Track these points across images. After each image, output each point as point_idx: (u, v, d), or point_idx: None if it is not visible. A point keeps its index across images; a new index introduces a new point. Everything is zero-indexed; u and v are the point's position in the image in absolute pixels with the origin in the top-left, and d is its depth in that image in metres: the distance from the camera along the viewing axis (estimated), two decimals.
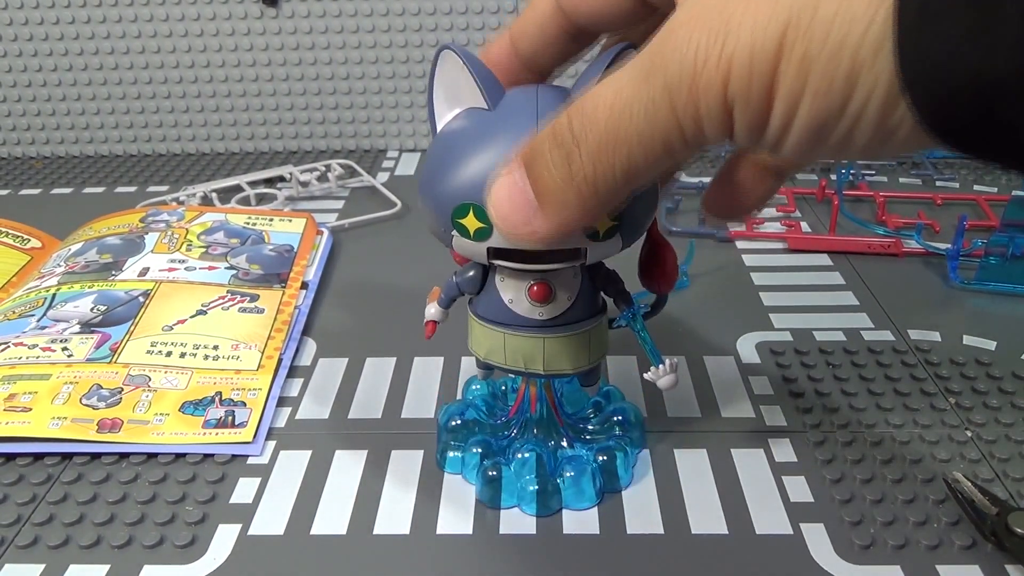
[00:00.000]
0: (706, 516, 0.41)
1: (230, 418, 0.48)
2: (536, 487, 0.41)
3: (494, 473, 0.41)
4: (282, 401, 0.50)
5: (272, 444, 0.47)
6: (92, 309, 0.55)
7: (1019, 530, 0.37)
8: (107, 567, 0.39)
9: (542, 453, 0.42)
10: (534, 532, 0.40)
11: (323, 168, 0.83)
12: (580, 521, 0.41)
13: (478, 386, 0.48)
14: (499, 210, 0.31)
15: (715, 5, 0.24)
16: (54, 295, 0.57)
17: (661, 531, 0.40)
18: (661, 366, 0.39)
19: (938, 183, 0.80)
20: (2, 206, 0.79)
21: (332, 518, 0.41)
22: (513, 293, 0.39)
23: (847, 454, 0.44)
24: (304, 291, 0.61)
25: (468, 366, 0.52)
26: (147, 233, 0.65)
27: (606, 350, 0.41)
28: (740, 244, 0.68)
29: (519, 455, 0.42)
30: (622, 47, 0.35)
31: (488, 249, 0.36)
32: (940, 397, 0.49)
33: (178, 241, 0.64)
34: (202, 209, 0.71)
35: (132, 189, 0.83)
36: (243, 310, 0.57)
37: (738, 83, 0.24)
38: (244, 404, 0.49)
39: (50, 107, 0.90)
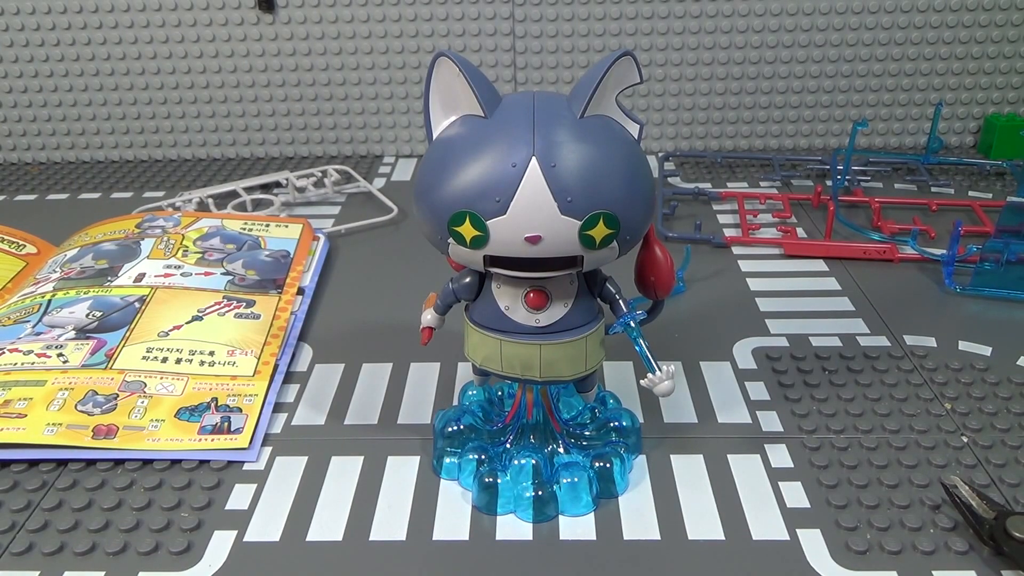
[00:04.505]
0: (702, 522, 0.41)
1: (226, 424, 0.47)
2: (532, 493, 0.41)
3: (491, 479, 0.41)
4: (278, 407, 0.50)
5: (268, 450, 0.46)
6: (87, 315, 0.55)
7: (1018, 534, 0.37)
8: (102, 574, 0.39)
9: (538, 459, 0.42)
10: (531, 538, 0.40)
11: (319, 174, 0.83)
12: (577, 527, 0.41)
13: (474, 392, 0.48)
14: None
15: None
16: (49, 301, 0.57)
17: (658, 537, 0.40)
18: (658, 372, 0.39)
19: (933, 189, 0.80)
20: None
21: (328, 525, 0.41)
22: (510, 300, 0.39)
23: (843, 459, 0.44)
24: (300, 297, 0.61)
25: (464, 372, 0.52)
26: (143, 239, 0.65)
27: (603, 356, 0.41)
28: (736, 250, 0.68)
29: (516, 461, 0.42)
30: (620, 54, 0.36)
31: (485, 257, 0.36)
32: (936, 403, 0.49)
33: (174, 247, 0.64)
34: (198, 215, 0.71)
35: (128, 195, 0.83)
36: (239, 316, 0.57)
37: None
38: (240, 410, 0.49)
39: (46, 112, 0.90)
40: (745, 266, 0.66)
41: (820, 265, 0.65)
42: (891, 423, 0.47)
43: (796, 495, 0.42)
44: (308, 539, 0.40)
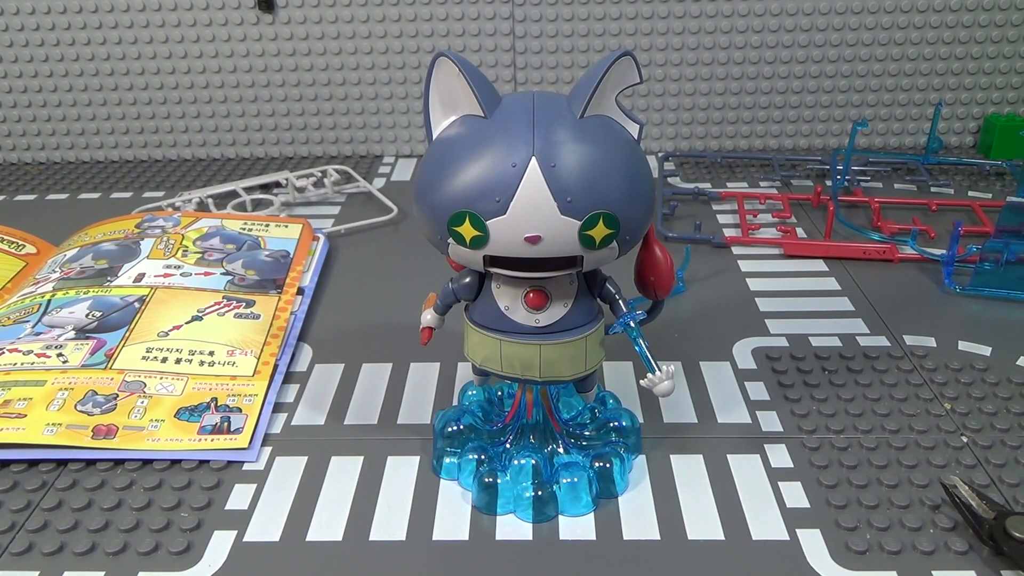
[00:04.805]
0: (702, 522, 0.41)
1: (226, 424, 0.47)
2: (532, 493, 0.41)
3: (490, 479, 0.41)
4: (278, 407, 0.50)
5: (268, 450, 0.46)
6: (87, 315, 0.55)
7: (1018, 534, 0.37)
8: (102, 574, 0.39)
9: (538, 459, 0.42)
10: (530, 538, 0.40)
11: (319, 174, 0.83)
12: (576, 527, 0.41)
13: (474, 392, 0.48)
14: None
15: None
16: (49, 301, 0.57)
17: (657, 537, 0.40)
18: (657, 372, 0.39)
19: (933, 189, 0.80)
20: None
21: (328, 525, 0.41)
22: (509, 300, 0.39)
23: (843, 460, 0.44)
24: (300, 297, 0.61)
25: (464, 372, 0.52)
26: (143, 239, 0.65)
27: (602, 356, 0.41)
28: (736, 250, 0.68)
29: (515, 461, 0.42)
30: (620, 54, 0.36)
31: (484, 257, 0.36)
32: (936, 403, 0.49)
33: (174, 247, 0.64)
34: (198, 215, 0.71)
35: (128, 195, 0.83)
36: (239, 316, 0.57)
37: None
38: (240, 410, 0.49)
39: (46, 112, 0.90)
40: (745, 266, 0.66)
41: (820, 265, 0.66)
42: (891, 423, 0.47)
43: (796, 495, 0.42)
44: (308, 539, 0.40)
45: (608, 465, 0.42)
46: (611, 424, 0.45)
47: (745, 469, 0.44)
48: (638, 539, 0.40)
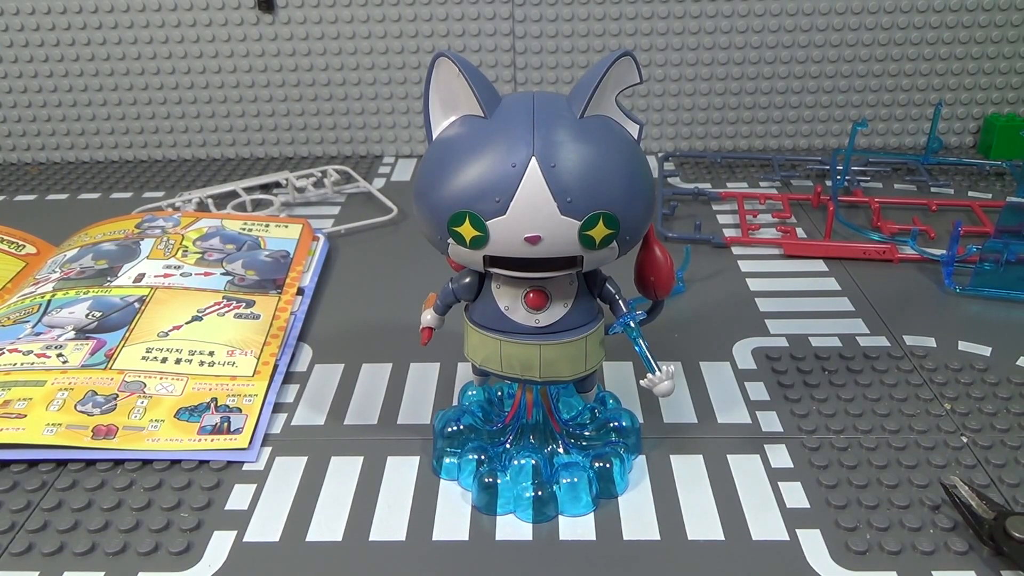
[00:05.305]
0: (702, 522, 0.41)
1: (225, 424, 0.47)
2: (532, 494, 0.41)
3: (490, 480, 0.41)
4: (278, 407, 0.50)
5: (268, 450, 0.46)
6: (87, 315, 0.55)
7: (1017, 534, 0.37)
8: (102, 574, 0.39)
9: (538, 459, 0.42)
10: (530, 539, 0.40)
11: (319, 174, 0.83)
12: (576, 527, 0.41)
13: (474, 392, 0.48)
14: None
15: None
16: (49, 301, 0.57)
17: (657, 537, 0.40)
18: (657, 372, 0.39)
19: (933, 189, 0.80)
20: None
21: (328, 525, 0.41)
22: (509, 300, 0.39)
23: (843, 460, 0.44)
24: (300, 297, 0.61)
25: (464, 372, 0.52)
26: (143, 239, 0.65)
27: (603, 356, 0.41)
28: (736, 250, 0.68)
29: (515, 461, 0.42)
30: (620, 54, 0.36)
31: (484, 257, 0.36)
32: (936, 403, 0.49)
33: (174, 247, 0.64)
34: (198, 215, 0.71)
35: (128, 195, 0.83)
36: (239, 316, 0.57)
37: None
38: (239, 410, 0.49)
39: (46, 113, 0.90)
40: (745, 266, 0.66)
41: (820, 265, 0.66)
42: (891, 423, 0.47)
43: (796, 495, 0.42)
44: (308, 539, 0.40)
45: (608, 465, 0.42)
46: (611, 424, 0.45)
47: (745, 469, 0.44)
48: (638, 539, 0.40)
